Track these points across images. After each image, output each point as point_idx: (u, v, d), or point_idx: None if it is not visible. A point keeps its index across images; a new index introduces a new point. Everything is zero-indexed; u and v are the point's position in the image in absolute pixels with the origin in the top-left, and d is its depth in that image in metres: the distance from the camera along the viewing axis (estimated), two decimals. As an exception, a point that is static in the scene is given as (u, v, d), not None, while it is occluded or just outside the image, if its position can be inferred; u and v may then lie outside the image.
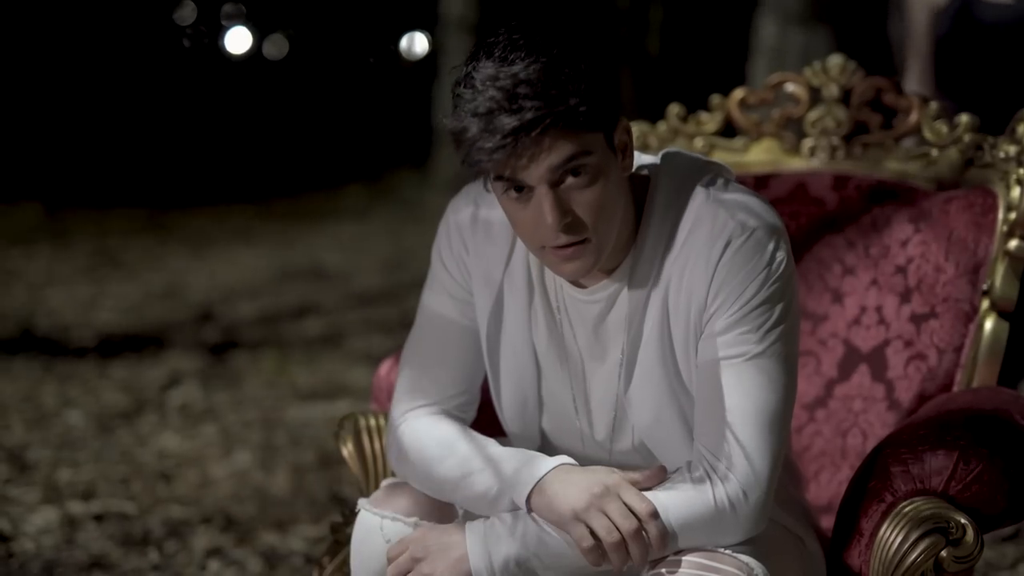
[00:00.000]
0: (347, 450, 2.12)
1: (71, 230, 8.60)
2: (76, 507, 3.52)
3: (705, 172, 1.76)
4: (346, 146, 13.39)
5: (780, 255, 1.69)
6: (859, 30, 5.66)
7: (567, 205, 1.61)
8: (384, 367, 2.26)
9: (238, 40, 22.58)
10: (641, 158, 1.81)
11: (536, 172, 1.59)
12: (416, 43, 21.71)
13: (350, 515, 2.13)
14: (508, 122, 1.55)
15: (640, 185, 1.76)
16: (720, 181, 1.75)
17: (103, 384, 4.84)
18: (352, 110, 15.66)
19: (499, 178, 1.62)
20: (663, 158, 1.79)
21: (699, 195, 1.72)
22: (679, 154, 1.80)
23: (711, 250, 1.68)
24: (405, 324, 5.84)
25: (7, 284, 6.75)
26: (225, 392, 4.79)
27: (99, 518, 3.45)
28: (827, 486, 2.26)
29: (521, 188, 1.62)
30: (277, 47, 22.05)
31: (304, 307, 6.36)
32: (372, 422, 2.15)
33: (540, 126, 1.55)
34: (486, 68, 1.59)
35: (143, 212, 9.38)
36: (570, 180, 1.61)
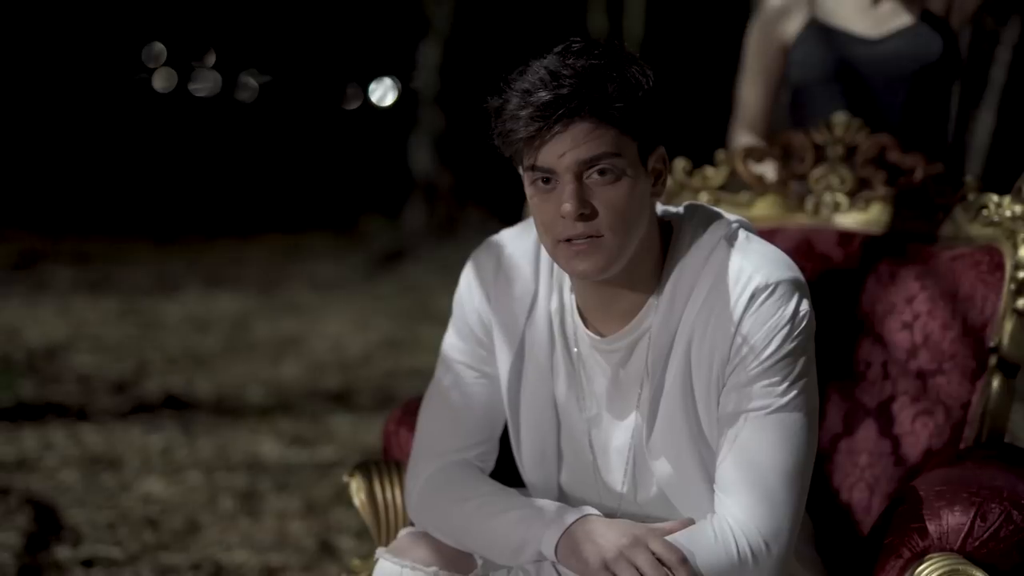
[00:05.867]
0: (360, 499, 2.12)
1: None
2: (63, 552, 3.48)
3: (727, 225, 1.78)
4: (319, 192, 13.44)
5: (803, 309, 1.72)
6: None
7: (587, 197, 1.66)
8: (393, 418, 2.26)
9: (210, 83, 22.55)
10: (662, 210, 1.83)
11: (563, 160, 1.65)
12: (386, 90, 21.79)
13: (361, 564, 2.12)
14: (544, 96, 1.62)
15: (664, 233, 1.79)
16: (742, 234, 1.78)
17: (83, 428, 4.80)
18: (327, 156, 15.77)
19: (529, 168, 1.67)
20: (686, 209, 1.82)
21: (722, 247, 1.75)
22: (701, 206, 1.83)
23: (735, 303, 1.70)
24: (385, 372, 5.83)
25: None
26: (207, 437, 4.76)
27: (88, 563, 3.41)
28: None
29: (548, 180, 1.67)
30: (250, 91, 22.04)
31: (279, 353, 6.34)
32: (384, 472, 2.14)
33: (573, 102, 1.62)
34: (540, 60, 1.67)
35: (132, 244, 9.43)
36: (595, 177, 1.66)
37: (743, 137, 3.11)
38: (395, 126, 13.70)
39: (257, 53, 21.71)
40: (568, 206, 1.65)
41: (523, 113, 1.63)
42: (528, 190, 1.71)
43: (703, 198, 2.51)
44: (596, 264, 1.68)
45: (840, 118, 2.47)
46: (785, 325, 1.70)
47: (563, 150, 1.64)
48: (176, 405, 5.21)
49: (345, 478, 2.15)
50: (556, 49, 1.68)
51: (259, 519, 3.87)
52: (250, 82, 23.60)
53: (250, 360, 6.15)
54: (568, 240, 1.67)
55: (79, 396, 5.31)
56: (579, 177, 1.66)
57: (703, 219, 1.80)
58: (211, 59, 24.33)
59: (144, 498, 4.02)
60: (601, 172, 1.66)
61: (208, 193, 13.31)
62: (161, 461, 4.44)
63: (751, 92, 3.09)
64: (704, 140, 3.59)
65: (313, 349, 6.46)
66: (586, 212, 1.66)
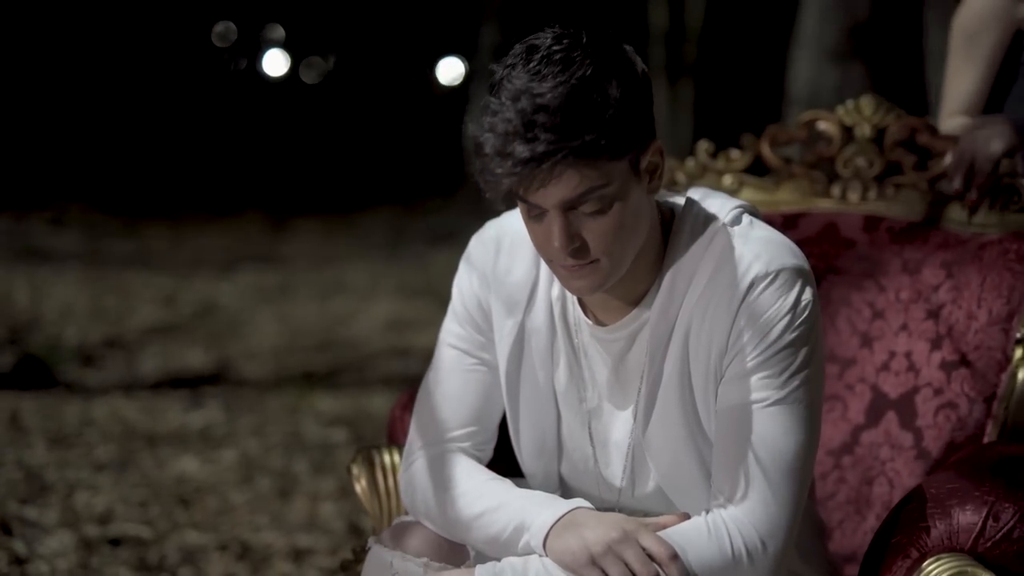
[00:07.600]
0: (360, 485, 2.08)
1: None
2: (92, 530, 3.49)
3: (731, 211, 1.72)
4: (378, 169, 13.48)
5: (805, 298, 1.65)
6: (893, 68, 5.59)
7: (576, 230, 1.59)
8: (400, 403, 2.22)
9: (277, 64, 22.70)
10: (668, 196, 1.77)
11: (548, 200, 1.58)
12: (451, 69, 21.81)
13: (361, 552, 2.09)
14: (521, 151, 1.53)
15: (667, 220, 1.72)
16: (746, 220, 1.71)
17: (125, 405, 4.83)
18: (387, 135, 15.83)
19: (517, 197, 1.61)
20: (690, 194, 1.76)
21: (723, 234, 1.68)
22: (704, 191, 1.77)
23: (734, 292, 1.64)
24: (429, 355, 5.84)
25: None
26: (246, 416, 4.76)
27: (115, 542, 3.42)
28: (852, 536, 2.20)
29: (535, 208, 1.60)
30: (317, 71, 22.12)
31: (328, 332, 6.35)
32: (387, 458, 2.11)
33: (551, 160, 1.53)
34: (517, 79, 1.56)
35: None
36: (583, 207, 1.59)
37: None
38: (457, 106, 13.70)
39: (324, 34, 21.78)
40: (557, 242, 1.59)
41: (500, 170, 1.55)
42: (519, 206, 1.65)
43: (727, 181, 2.44)
44: (591, 284, 1.63)
45: (869, 99, 2.38)
46: (786, 315, 1.63)
47: (548, 197, 1.57)
48: (219, 382, 5.23)
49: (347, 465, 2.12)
50: (525, 65, 1.55)
51: (291, 500, 3.86)
52: (316, 63, 23.70)
53: (296, 337, 6.16)
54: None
55: (123, 372, 5.34)
56: (567, 209, 1.59)
57: (707, 205, 1.73)
58: (279, 39, 24.45)
59: (179, 477, 4.03)
60: (590, 203, 1.58)
61: (267, 172, 13.40)
62: (199, 440, 4.45)
63: (967, 77, 2.61)
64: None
65: (360, 328, 6.45)
66: (576, 246, 1.60)
